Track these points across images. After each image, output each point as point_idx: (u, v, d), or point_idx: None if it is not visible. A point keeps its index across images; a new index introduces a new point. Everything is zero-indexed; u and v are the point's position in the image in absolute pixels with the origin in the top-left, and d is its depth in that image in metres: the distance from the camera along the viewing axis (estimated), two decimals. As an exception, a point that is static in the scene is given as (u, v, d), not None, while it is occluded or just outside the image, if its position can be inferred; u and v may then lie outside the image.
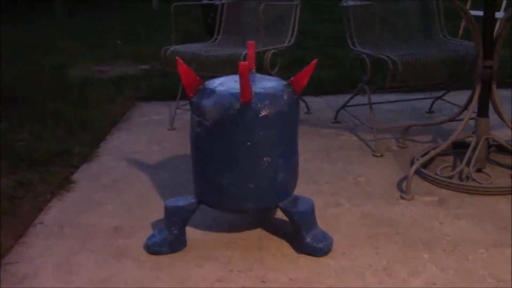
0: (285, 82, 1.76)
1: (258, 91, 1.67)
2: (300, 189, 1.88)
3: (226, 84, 1.73)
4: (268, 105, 1.65)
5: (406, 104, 3.28)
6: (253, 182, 1.69)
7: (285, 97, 1.70)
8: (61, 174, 2.45)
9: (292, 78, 1.74)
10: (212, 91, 1.70)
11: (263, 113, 1.64)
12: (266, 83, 1.75)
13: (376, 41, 2.54)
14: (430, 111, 3.16)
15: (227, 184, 1.70)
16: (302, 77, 1.72)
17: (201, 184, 1.77)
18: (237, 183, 1.69)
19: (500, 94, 2.24)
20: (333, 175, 2.36)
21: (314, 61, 1.73)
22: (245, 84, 1.59)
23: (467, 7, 3.83)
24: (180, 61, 1.71)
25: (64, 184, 2.35)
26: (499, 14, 2.41)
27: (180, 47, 2.96)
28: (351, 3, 2.79)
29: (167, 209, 1.78)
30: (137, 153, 2.72)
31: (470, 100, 2.25)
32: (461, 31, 3.14)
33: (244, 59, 2.63)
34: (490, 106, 2.22)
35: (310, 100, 3.39)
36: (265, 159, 1.68)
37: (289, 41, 3.00)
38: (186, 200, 1.79)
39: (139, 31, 6.68)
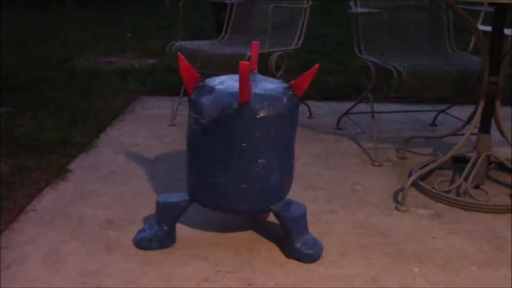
0: (285, 85, 1.74)
1: (257, 92, 1.66)
2: (296, 194, 1.86)
3: (226, 83, 1.72)
4: (266, 106, 1.64)
5: (410, 115, 3.26)
6: (247, 183, 1.68)
7: (285, 100, 1.69)
8: (58, 162, 2.45)
9: (292, 82, 1.72)
10: (212, 89, 1.69)
11: (261, 114, 1.63)
12: (267, 85, 1.73)
13: (383, 50, 2.52)
14: (433, 123, 3.14)
15: (220, 183, 1.68)
16: (303, 80, 1.71)
17: (194, 182, 1.75)
18: (231, 183, 1.68)
19: (505, 111, 2.22)
20: (331, 181, 2.34)
21: (316, 66, 1.72)
22: (244, 84, 1.58)
23: (479, 22, 3.81)
24: (182, 57, 1.70)
25: (60, 172, 2.35)
26: (508, 31, 2.39)
27: (186, 43, 2.95)
28: (359, 10, 2.77)
29: (158, 205, 1.77)
30: (136, 146, 2.72)
31: (472, 115, 2.22)
32: (471, 45, 3.12)
33: (249, 59, 2.62)
34: (493, 122, 2.19)
35: (314, 105, 3.38)
36: (260, 160, 1.66)
37: (296, 44, 2.99)
38: (178, 197, 1.78)
39: (149, 26, 6.69)
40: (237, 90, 1.62)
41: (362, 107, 2.97)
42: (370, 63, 2.59)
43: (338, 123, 3.06)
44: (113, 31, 6.29)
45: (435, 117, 3.14)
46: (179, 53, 1.73)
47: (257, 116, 1.63)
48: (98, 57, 4.89)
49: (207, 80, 1.76)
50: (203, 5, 6.31)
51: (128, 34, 6.11)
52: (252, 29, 3.19)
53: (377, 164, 2.52)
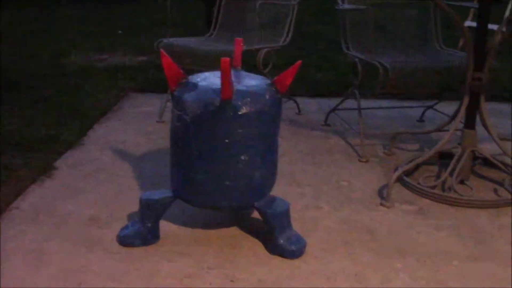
0: (268, 81, 1.74)
1: (240, 89, 1.66)
2: (282, 190, 1.87)
3: (209, 80, 1.72)
4: (249, 103, 1.64)
5: (398, 111, 3.26)
6: (230, 180, 1.68)
7: (267, 96, 1.68)
8: (44, 160, 2.44)
9: (275, 78, 1.72)
10: (194, 86, 1.69)
11: (243, 111, 1.63)
12: (249, 81, 1.73)
13: (370, 46, 2.53)
14: (421, 119, 3.14)
15: (204, 180, 1.68)
16: (285, 77, 1.71)
17: (177, 178, 1.75)
18: (214, 180, 1.68)
19: (497, 108, 2.23)
20: (317, 178, 2.34)
21: (299, 62, 1.72)
22: (226, 80, 1.58)
23: (469, 18, 3.82)
24: (164, 53, 1.70)
25: (46, 170, 2.34)
26: (494, 27, 2.39)
27: (174, 40, 2.95)
28: (347, 6, 2.77)
29: (141, 202, 1.77)
30: (123, 143, 2.71)
31: (457, 111, 2.23)
32: (461, 42, 3.12)
33: (236, 56, 2.61)
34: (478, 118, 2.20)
35: (303, 101, 3.38)
36: (242, 157, 1.66)
37: (284, 41, 2.99)
38: (161, 193, 1.78)
39: (142, 23, 6.67)
40: (220, 87, 1.62)
41: (351, 103, 2.97)
42: (357, 60, 2.59)
43: (326, 120, 3.06)
44: (106, 28, 6.26)
45: (423, 113, 3.15)
46: (162, 50, 1.73)
47: (239, 113, 1.63)
48: (90, 54, 4.88)
49: (190, 76, 1.75)
50: (196, 2, 6.29)
51: (120, 32, 6.10)
52: (241, 26, 3.19)
53: (364, 160, 2.53)
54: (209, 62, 2.73)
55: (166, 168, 2.35)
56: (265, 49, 2.82)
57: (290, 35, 2.99)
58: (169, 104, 3.11)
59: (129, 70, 4.23)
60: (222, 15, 3.28)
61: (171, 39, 2.96)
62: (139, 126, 2.99)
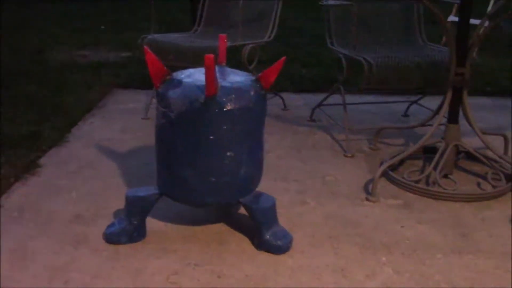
0: (253, 78, 1.74)
1: (224, 85, 1.65)
2: (268, 186, 1.87)
3: (194, 76, 1.71)
4: (233, 99, 1.64)
5: (383, 107, 3.29)
6: (215, 177, 1.68)
7: (252, 93, 1.69)
8: (28, 157, 2.42)
9: (260, 74, 1.72)
10: (179, 82, 1.68)
11: (228, 107, 1.63)
12: (234, 78, 1.73)
13: (354, 42, 2.54)
14: (405, 114, 3.17)
15: (189, 177, 1.68)
16: (270, 73, 1.71)
17: (163, 175, 1.75)
18: (199, 177, 1.68)
19: (480, 102, 2.25)
20: (303, 173, 2.35)
21: (283, 58, 1.72)
22: (210, 77, 1.57)
23: (453, 13, 3.85)
24: (148, 49, 1.69)
25: (29, 168, 2.32)
26: (476, 21, 2.42)
27: (158, 36, 2.93)
28: (331, 2, 2.78)
29: (127, 199, 1.76)
30: (108, 140, 2.70)
31: (440, 106, 2.25)
32: (444, 38, 3.15)
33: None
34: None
35: (288, 97, 3.38)
36: (228, 153, 1.66)
37: (269, 37, 2.99)
38: (147, 190, 1.78)
39: (126, 19, 6.62)
40: (204, 83, 1.61)
41: (336, 98, 2.98)
42: (341, 55, 2.60)
43: (311, 115, 3.07)
44: (89, 24, 6.20)
45: (407, 108, 3.18)
46: (145, 47, 1.72)
47: (224, 109, 1.63)
48: (72, 50, 4.83)
49: (174, 73, 1.75)
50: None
51: (102, 27, 6.04)
52: (225, 22, 3.18)
53: (349, 155, 2.55)
54: (193, 58, 2.72)
55: (152, 165, 2.34)
56: (250, 45, 2.82)
57: (274, 30, 2.99)
58: (155, 101, 3.10)
59: (113, 66, 4.20)
60: (206, 11, 3.27)
61: (155, 35, 2.94)
62: (124, 123, 2.97)
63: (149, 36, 2.91)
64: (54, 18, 6.53)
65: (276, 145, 2.65)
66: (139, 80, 3.77)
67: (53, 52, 4.69)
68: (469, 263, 1.70)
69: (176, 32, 3.18)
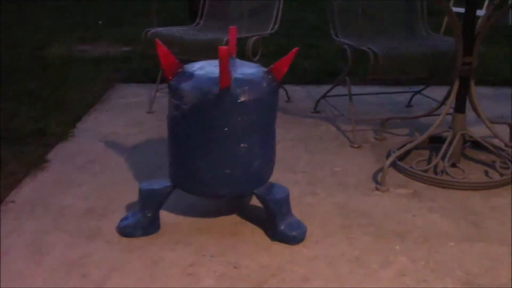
0: (265, 69, 1.75)
1: (237, 77, 1.66)
2: (277, 178, 1.88)
3: (205, 69, 1.71)
4: (247, 91, 1.64)
5: (386, 97, 3.30)
6: (229, 168, 1.68)
7: (265, 84, 1.69)
8: (35, 153, 2.41)
9: (272, 66, 1.73)
10: (191, 75, 1.68)
11: (241, 99, 1.63)
12: (246, 69, 1.74)
13: (359, 33, 2.54)
14: (409, 105, 3.18)
15: (203, 169, 1.69)
16: (282, 64, 1.71)
17: (176, 168, 1.75)
18: (213, 169, 1.69)
19: (482, 92, 2.26)
20: (311, 164, 2.36)
21: (295, 49, 1.72)
22: (224, 69, 1.58)
23: (451, 4, 3.86)
24: (160, 42, 1.69)
25: (38, 163, 2.31)
26: (480, 12, 2.43)
27: (161, 30, 2.92)
28: (335, -7, 2.78)
29: (141, 192, 1.76)
30: (114, 134, 2.69)
31: (448, 96, 2.26)
32: (443, 28, 3.16)
33: (226, 45, 2.61)
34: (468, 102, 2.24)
35: (291, 89, 3.38)
36: (241, 145, 1.67)
37: (272, 29, 2.99)
38: (161, 183, 1.78)
39: (124, 13, 6.58)
40: (217, 75, 1.61)
41: (339, 90, 2.98)
42: (346, 46, 2.60)
43: (315, 107, 3.08)
44: (87, 19, 6.16)
45: (411, 98, 3.19)
46: (156, 40, 1.72)
47: (238, 101, 1.63)
48: (71, 45, 4.80)
49: (185, 66, 1.75)
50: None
51: (100, 22, 6.01)
52: (227, 15, 3.17)
53: (356, 146, 2.56)
54: (198, 51, 2.72)
55: (159, 158, 2.36)
56: (254, 37, 2.82)
57: (278, 23, 2.99)
58: (158, 95, 3.10)
59: (113, 61, 4.18)
60: (208, 5, 3.26)
61: (159, 29, 2.94)
62: (128, 117, 2.97)
63: (153, 30, 2.90)
64: (50, 13, 6.48)
65: (283, 137, 2.65)
66: (140, 74, 3.76)
67: (52, 47, 4.66)
68: (482, 250, 1.72)
69: (174, 26, 3.17)
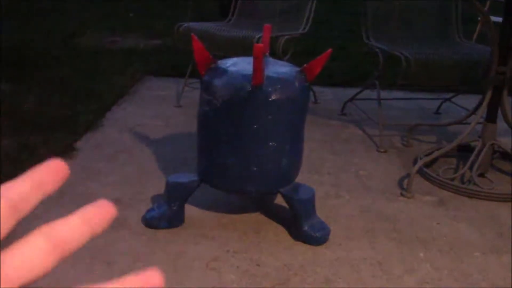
0: (297, 69, 1.75)
1: (270, 75, 1.66)
2: (302, 178, 1.88)
3: (239, 65, 1.72)
4: (279, 89, 1.65)
5: (413, 103, 3.27)
6: (257, 166, 1.69)
7: (297, 84, 1.69)
8: (65, 140, 2.45)
9: (305, 65, 1.73)
10: (224, 71, 1.70)
11: (273, 97, 1.64)
12: (279, 68, 1.74)
13: (392, 37, 2.53)
14: (437, 112, 3.15)
15: (231, 165, 1.70)
16: (315, 65, 1.71)
17: (204, 162, 1.77)
18: (241, 165, 1.70)
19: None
20: (336, 166, 2.36)
21: (329, 51, 1.73)
22: (258, 66, 1.58)
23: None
24: (195, 37, 1.71)
25: (67, 151, 2.35)
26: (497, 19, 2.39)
27: (194, 24, 2.94)
28: (370, -4, 2.76)
29: (168, 185, 1.78)
30: (142, 126, 2.72)
31: (479, 105, 2.24)
32: (475, 35, 3.12)
33: (258, 42, 2.62)
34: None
35: (319, 90, 3.37)
36: (270, 143, 1.68)
37: (304, 29, 2.98)
38: (188, 177, 1.80)
39: (154, 6, 6.63)
40: (250, 72, 1.62)
41: (366, 93, 2.97)
42: (377, 50, 2.59)
43: (343, 109, 3.06)
44: (118, 10, 6.24)
45: (439, 106, 3.15)
46: (193, 34, 1.74)
47: (270, 99, 1.64)
48: (102, 36, 4.86)
49: (219, 61, 1.76)
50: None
51: (131, 14, 6.07)
52: (259, 12, 3.18)
53: (382, 150, 2.54)
54: (229, 48, 2.73)
55: (186, 152, 2.38)
56: (285, 37, 2.82)
57: (309, 23, 2.99)
58: (187, 89, 3.12)
59: (143, 53, 4.22)
60: (240, 2, 3.27)
61: (191, 24, 2.95)
62: (157, 109, 3.00)
63: (185, 24, 2.92)
64: (80, 2, 6.57)
65: (308, 138, 2.61)
66: (169, 68, 3.79)
67: (83, 37, 4.73)
68: (508, 263, 1.69)
69: (202, 21, 3.19)
